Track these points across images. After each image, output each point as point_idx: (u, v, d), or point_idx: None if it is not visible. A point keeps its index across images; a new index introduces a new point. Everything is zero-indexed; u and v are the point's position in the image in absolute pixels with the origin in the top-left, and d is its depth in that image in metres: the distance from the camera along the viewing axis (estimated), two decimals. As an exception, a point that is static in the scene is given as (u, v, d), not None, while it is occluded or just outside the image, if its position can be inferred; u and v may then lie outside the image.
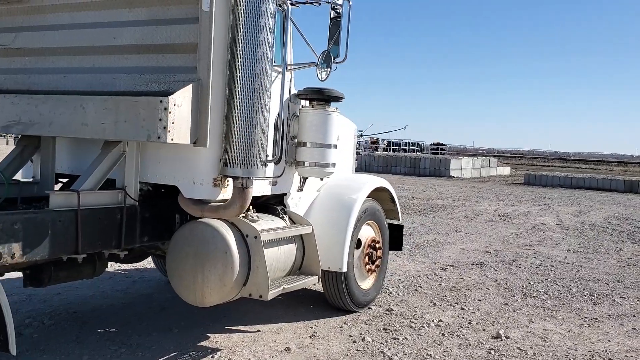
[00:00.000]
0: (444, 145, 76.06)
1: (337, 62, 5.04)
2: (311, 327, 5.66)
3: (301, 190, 5.73)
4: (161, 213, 4.72)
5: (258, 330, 5.50)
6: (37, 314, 5.68)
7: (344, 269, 5.73)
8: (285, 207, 5.45)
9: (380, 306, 6.49)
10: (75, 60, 4.59)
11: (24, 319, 5.44)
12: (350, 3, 4.99)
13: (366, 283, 6.37)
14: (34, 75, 4.74)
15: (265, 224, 4.90)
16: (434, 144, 75.08)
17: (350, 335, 5.49)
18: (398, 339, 5.46)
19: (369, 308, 6.37)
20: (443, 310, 6.50)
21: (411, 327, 5.86)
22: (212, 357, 4.81)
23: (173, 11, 4.25)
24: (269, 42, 4.27)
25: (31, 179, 5.00)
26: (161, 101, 3.83)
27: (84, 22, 4.53)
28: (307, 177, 5.67)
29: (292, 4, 5.26)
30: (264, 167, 4.43)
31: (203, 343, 5.11)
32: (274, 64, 4.90)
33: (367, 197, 6.24)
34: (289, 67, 5.27)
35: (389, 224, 6.85)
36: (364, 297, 6.29)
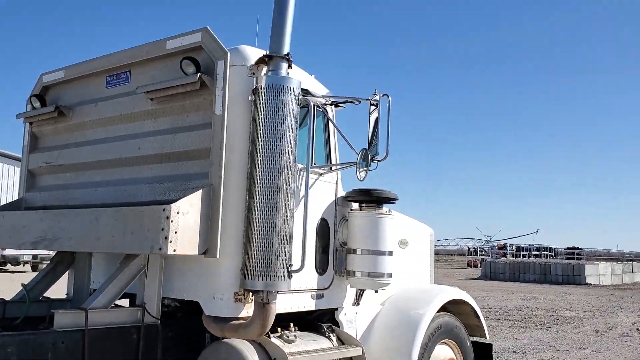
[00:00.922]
0: (580, 249, 70.20)
1: (378, 160, 4.59)
2: None
3: (357, 304, 5.09)
4: (188, 332, 4.33)
5: None
6: None
7: (410, 398, 4.86)
8: (338, 324, 4.84)
9: None
10: (105, 174, 4.57)
11: None
12: (390, 99, 4.60)
13: (444, 414, 5.39)
14: (71, 190, 4.77)
15: (302, 344, 4.32)
16: (568, 248, 69.56)
17: None
18: None
19: None
20: None
21: None
22: None
23: (191, 118, 4.12)
24: (291, 144, 3.96)
25: (65, 296, 4.88)
26: (164, 210, 3.57)
27: (114, 136, 4.54)
28: (363, 290, 5.06)
29: (335, 105, 5.00)
30: (287, 278, 3.94)
31: None
32: (313, 164, 4.55)
33: (442, 311, 5.44)
34: (332, 168, 4.90)
35: (475, 343, 5.90)
36: None
